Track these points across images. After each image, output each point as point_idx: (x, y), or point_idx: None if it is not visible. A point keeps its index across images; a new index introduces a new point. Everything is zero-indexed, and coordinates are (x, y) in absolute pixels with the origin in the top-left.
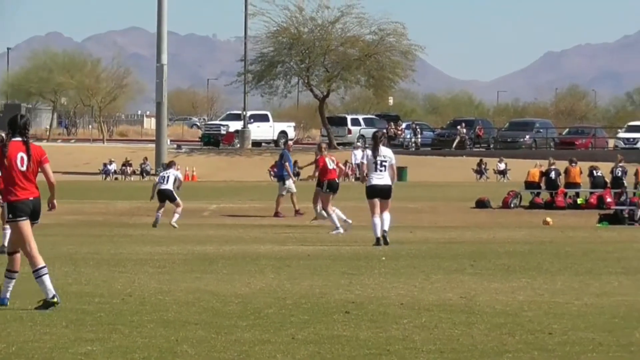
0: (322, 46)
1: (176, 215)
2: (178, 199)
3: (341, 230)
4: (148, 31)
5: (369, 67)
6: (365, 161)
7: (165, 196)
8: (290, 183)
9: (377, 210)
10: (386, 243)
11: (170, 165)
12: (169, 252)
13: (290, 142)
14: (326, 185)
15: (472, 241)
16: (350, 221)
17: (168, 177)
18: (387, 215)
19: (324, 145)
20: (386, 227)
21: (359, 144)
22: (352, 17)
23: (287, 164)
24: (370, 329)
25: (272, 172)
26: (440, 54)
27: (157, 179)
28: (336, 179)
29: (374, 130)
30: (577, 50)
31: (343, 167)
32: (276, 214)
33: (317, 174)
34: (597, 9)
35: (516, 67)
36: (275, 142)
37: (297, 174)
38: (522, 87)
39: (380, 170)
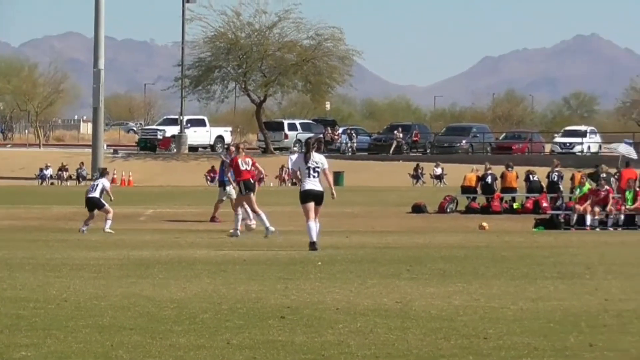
0: (259, 51)
1: (108, 222)
2: (106, 205)
3: (237, 234)
4: (85, 36)
5: (306, 72)
6: (295, 167)
7: (93, 204)
8: (230, 189)
9: (312, 214)
10: (315, 248)
11: (103, 173)
12: (105, 257)
13: (232, 148)
14: (242, 186)
15: (408, 246)
16: (273, 229)
17: (97, 185)
18: (317, 222)
19: (241, 146)
20: (316, 237)
21: (295, 148)
22: (290, 22)
23: (226, 169)
24: (305, 333)
25: (208, 177)
26: (378, 59)
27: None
28: (250, 179)
29: (309, 135)
30: (515, 55)
31: (261, 169)
32: (212, 219)
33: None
34: (535, 14)
35: (454, 72)
36: (212, 147)
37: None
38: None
39: (313, 176)
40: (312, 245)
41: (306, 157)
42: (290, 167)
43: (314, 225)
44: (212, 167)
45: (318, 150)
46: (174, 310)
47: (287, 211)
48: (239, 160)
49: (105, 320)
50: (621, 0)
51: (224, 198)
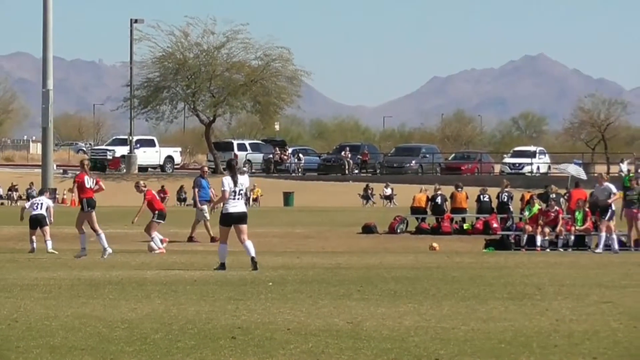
0: (207, 71)
1: (49, 243)
2: (48, 225)
3: (85, 254)
4: (34, 56)
5: (255, 92)
6: (227, 189)
7: (38, 222)
8: (204, 209)
9: (227, 237)
10: (256, 268)
11: (42, 192)
12: (56, 277)
13: (206, 169)
14: (85, 204)
15: (359, 266)
16: (110, 250)
17: (41, 203)
18: (249, 242)
19: (85, 162)
20: (253, 253)
21: (245, 169)
22: (238, 43)
23: (196, 190)
24: (256, 354)
25: (158, 197)
26: (327, 80)
27: (26, 204)
28: (93, 197)
29: (258, 155)
30: (463, 75)
31: (104, 187)
32: (190, 239)
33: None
34: (483, 35)
35: (402, 93)
36: (162, 167)
37: (183, 200)
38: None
39: (238, 198)
40: (223, 266)
41: (234, 180)
42: (223, 189)
43: (226, 248)
44: (162, 187)
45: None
46: (125, 330)
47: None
48: (85, 177)
49: (57, 341)
50: (568, 21)
51: (204, 217)
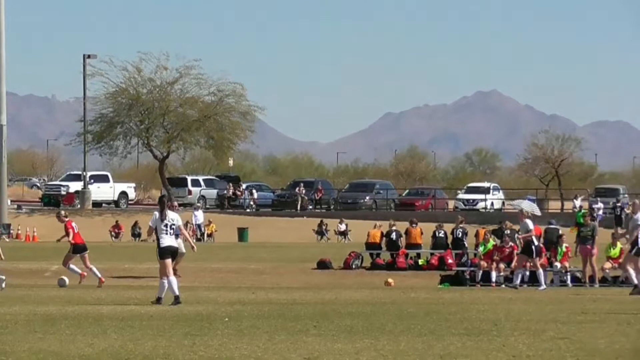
0: (161, 107)
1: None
2: None
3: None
4: None
5: (209, 128)
6: (153, 225)
7: None
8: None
9: (170, 270)
10: (179, 302)
11: None
12: (11, 312)
13: (176, 203)
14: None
15: (314, 302)
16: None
17: None
18: (174, 278)
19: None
20: (177, 291)
21: (199, 204)
22: (191, 78)
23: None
24: None
25: (113, 233)
26: (280, 116)
27: None
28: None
29: (213, 192)
30: (416, 111)
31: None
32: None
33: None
34: (435, 70)
35: (355, 128)
36: (116, 203)
37: (138, 235)
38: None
39: (170, 233)
40: (160, 300)
41: (162, 215)
42: (200, 221)
43: (167, 284)
44: (117, 222)
45: (171, 208)
46: None
47: (192, 267)
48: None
49: None
50: (521, 57)
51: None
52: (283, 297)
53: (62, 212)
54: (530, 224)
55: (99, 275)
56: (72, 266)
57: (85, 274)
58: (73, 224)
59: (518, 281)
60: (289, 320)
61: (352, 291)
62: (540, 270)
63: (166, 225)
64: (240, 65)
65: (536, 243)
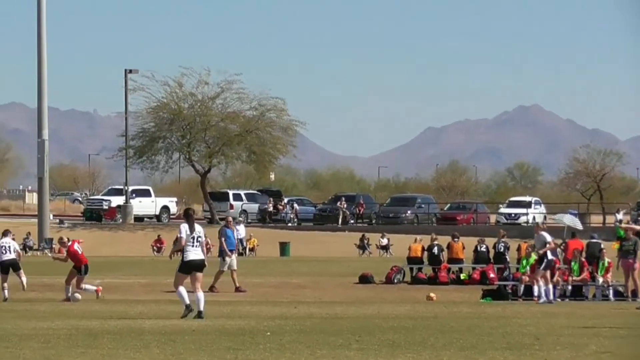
0: (202, 122)
1: (24, 278)
2: (20, 268)
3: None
4: (28, 106)
5: (250, 142)
6: (184, 235)
7: (9, 266)
8: (232, 259)
9: (182, 283)
10: (201, 317)
11: (5, 234)
12: (54, 327)
13: (230, 218)
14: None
15: (356, 316)
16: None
17: (9, 246)
18: (202, 294)
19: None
20: (202, 307)
21: (241, 219)
22: (232, 93)
23: (222, 239)
24: None
25: (155, 247)
26: (321, 130)
27: None
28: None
29: (253, 206)
30: (457, 126)
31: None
32: (211, 289)
33: None
34: (477, 85)
35: (397, 143)
36: (158, 217)
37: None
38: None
39: (196, 246)
40: (188, 307)
41: (191, 228)
42: (181, 236)
43: (185, 290)
44: (159, 236)
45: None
46: None
47: (237, 280)
48: (76, 245)
49: None
50: (562, 72)
51: (224, 269)
52: (325, 312)
53: (64, 238)
54: (547, 236)
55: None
56: (86, 286)
57: (101, 288)
58: (76, 246)
59: (551, 296)
60: (330, 334)
61: (394, 305)
62: (541, 283)
63: (193, 238)
64: (280, 79)
65: (549, 257)
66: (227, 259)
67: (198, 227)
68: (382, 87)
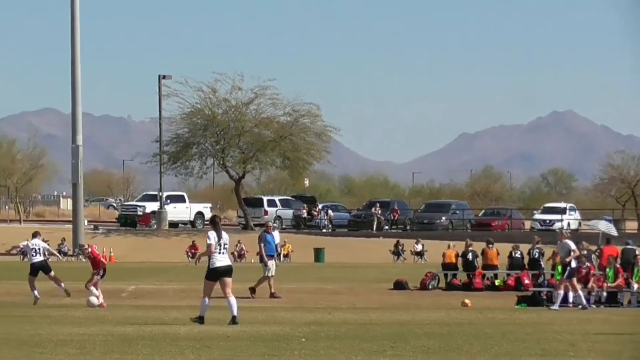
0: (236, 127)
1: (62, 284)
2: (52, 270)
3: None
4: (62, 112)
5: (284, 148)
6: (212, 242)
7: (39, 268)
8: (270, 264)
9: (210, 292)
10: (235, 323)
11: (35, 235)
12: (89, 332)
13: (270, 223)
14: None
15: (391, 322)
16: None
17: (39, 248)
18: (233, 298)
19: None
20: (235, 312)
21: (275, 224)
22: (266, 99)
23: (262, 245)
24: None
25: (189, 253)
26: (354, 135)
27: (19, 247)
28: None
29: (287, 212)
30: (491, 131)
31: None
32: (252, 290)
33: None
34: (510, 91)
35: (431, 149)
36: (192, 223)
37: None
38: (436, 168)
39: (223, 252)
40: (201, 320)
41: (218, 234)
42: (210, 242)
43: (208, 302)
44: (193, 242)
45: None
46: None
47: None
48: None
49: None
50: (596, 78)
51: (268, 274)
52: (359, 318)
53: (85, 245)
54: (571, 244)
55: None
56: (93, 289)
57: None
58: (96, 250)
59: (584, 301)
60: (365, 340)
61: (429, 312)
62: (561, 292)
63: (220, 245)
64: (314, 84)
65: (573, 265)
66: (269, 263)
67: (224, 234)
68: (416, 93)
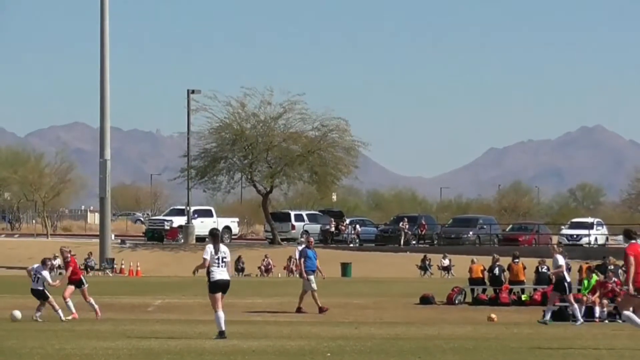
0: (265, 142)
1: (60, 312)
2: (50, 297)
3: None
4: (91, 126)
5: (312, 162)
6: (207, 257)
7: (36, 296)
8: (311, 279)
9: (220, 304)
10: (224, 337)
11: (43, 262)
12: (114, 347)
13: (312, 239)
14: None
15: (417, 337)
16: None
17: (39, 278)
18: (222, 313)
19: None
20: (223, 327)
21: (302, 239)
22: (295, 113)
23: (301, 260)
24: None
25: None
26: (383, 150)
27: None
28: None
29: (315, 226)
30: (520, 146)
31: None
32: (298, 310)
33: None
34: (539, 106)
35: (459, 164)
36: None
37: (242, 270)
38: (465, 183)
39: (222, 266)
40: (222, 334)
41: (216, 248)
42: (205, 257)
43: (222, 315)
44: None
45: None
46: None
47: (295, 301)
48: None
49: None
50: (625, 93)
51: (315, 287)
52: (386, 332)
53: (67, 249)
54: (560, 259)
55: (96, 308)
56: (70, 303)
57: (77, 316)
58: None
59: (548, 317)
60: (391, 355)
61: (455, 326)
62: (576, 306)
63: (218, 259)
64: (343, 99)
65: (568, 279)
66: (311, 277)
67: (223, 248)
68: (445, 108)
